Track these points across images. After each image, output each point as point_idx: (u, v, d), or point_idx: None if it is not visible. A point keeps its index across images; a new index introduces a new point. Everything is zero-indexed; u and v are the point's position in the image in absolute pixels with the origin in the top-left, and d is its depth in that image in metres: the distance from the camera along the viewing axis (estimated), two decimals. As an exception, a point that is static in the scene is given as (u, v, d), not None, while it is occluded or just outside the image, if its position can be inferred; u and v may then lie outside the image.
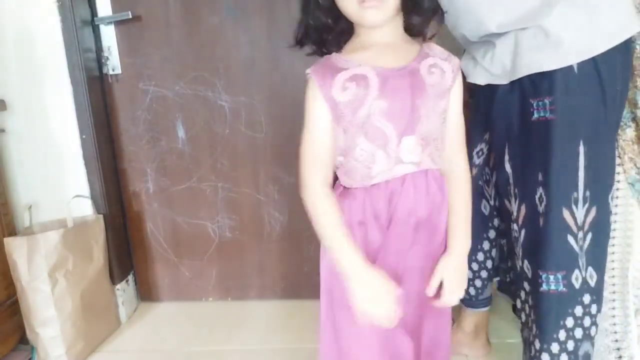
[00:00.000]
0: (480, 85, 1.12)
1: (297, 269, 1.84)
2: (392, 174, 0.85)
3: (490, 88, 1.13)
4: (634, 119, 1.20)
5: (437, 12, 0.87)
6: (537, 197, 1.06)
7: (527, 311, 1.19)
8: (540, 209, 1.08)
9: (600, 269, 1.12)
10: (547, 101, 1.01)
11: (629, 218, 1.28)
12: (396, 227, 0.87)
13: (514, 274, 1.27)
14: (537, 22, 0.99)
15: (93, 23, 1.67)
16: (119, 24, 1.68)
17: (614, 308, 1.33)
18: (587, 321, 1.13)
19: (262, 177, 1.78)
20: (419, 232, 0.89)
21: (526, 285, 1.17)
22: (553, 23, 0.98)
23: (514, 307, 1.70)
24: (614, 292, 1.32)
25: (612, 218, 1.29)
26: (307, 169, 0.86)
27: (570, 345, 1.12)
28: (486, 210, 1.34)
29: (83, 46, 1.62)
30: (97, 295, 1.66)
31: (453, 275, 0.90)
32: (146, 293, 1.93)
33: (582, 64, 1.00)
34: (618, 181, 1.27)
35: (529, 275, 1.15)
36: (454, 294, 0.90)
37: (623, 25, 1.01)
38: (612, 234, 1.29)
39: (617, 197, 1.27)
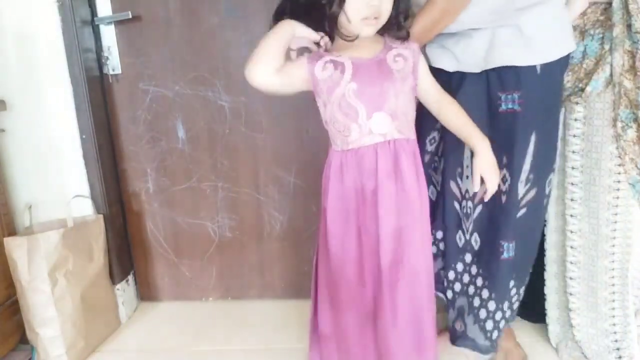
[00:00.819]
0: (439, 76, 1.18)
1: (297, 269, 1.84)
2: (364, 142, 1.06)
3: (453, 79, 1.24)
4: (635, 120, 1.20)
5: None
6: (500, 177, 1.20)
7: (467, 280, 1.35)
8: (504, 187, 1.22)
9: (524, 238, 1.27)
10: (515, 95, 1.16)
11: (628, 218, 1.28)
12: (382, 183, 1.07)
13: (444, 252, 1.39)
14: (513, 21, 1.13)
15: (93, 23, 1.67)
16: (119, 24, 1.68)
17: (613, 308, 1.33)
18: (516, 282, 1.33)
19: (262, 177, 1.78)
20: (387, 195, 1.07)
21: (468, 257, 1.33)
22: (529, 25, 1.12)
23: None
24: (613, 293, 1.32)
25: (613, 219, 1.29)
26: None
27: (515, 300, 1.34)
28: (433, 196, 1.39)
29: (83, 46, 1.62)
30: (97, 295, 1.66)
31: (487, 167, 1.08)
32: (146, 293, 1.93)
33: (544, 65, 1.15)
34: (619, 181, 1.27)
35: (476, 247, 1.32)
36: (492, 181, 1.08)
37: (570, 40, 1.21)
38: (612, 234, 1.30)
39: (617, 198, 1.27)
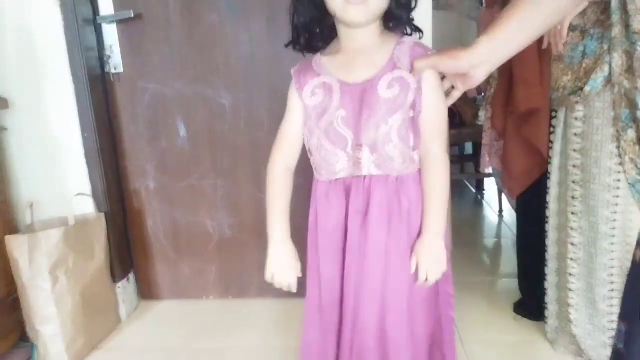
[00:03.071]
0: None
1: (298, 268, 1.84)
2: (351, 172, 0.94)
3: None
4: (634, 120, 1.20)
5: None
6: None
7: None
8: None
9: None
10: None
11: (628, 217, 1.28)
12: (351, 220, 0.94)
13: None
14: None
15: (95, 22, 1.67)
16: (120, 22, 1.68)
17: (612, 306, 1.33)
18: None
19: (263, 174, 1.77)
20: (370, 230, 0.93)
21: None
22: None
23: (516, 306, 1.70)
24: (612, 290, 1.33)
25: (612, 217, 1.29)
26: (275, 147, 1.03)
27: None
28: None
29: (85, 45, 1.63)
30: (98, 293, 1.66)
31: (426, 255, 0.93)
32: (146, 291, 1.94)
33: None
34: (618, 180, 1.27)
35: None
36: (428, 273, 0.92)
37: None
38: (612, 232, 1.30)
39: (617, 197, 1.28)
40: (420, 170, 0.96)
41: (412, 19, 0.96)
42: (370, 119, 0.90)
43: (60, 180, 1.70)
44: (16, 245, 1.47)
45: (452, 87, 0.94)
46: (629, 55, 1.17)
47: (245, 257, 1.87)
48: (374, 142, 0.91)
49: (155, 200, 1.83)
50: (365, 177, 0.93)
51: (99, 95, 1.71)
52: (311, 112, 0.95)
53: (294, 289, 1.00)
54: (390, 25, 0.94)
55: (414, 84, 0.90)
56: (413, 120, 0.92)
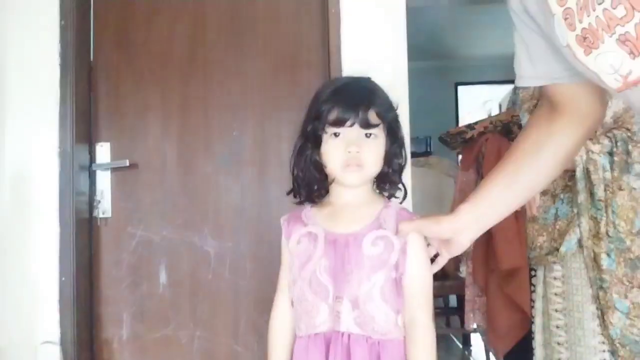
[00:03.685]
0: None
1: None
2: (330, 326, 0.92)
3: None
4: (601, 287, 1.23)
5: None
6: None
7: None
8: None
9: None
10: None
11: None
12: None
13: None
14: None
15: (90, 168, 1.74)
16: (115, 169, 1.75)
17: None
18: None
19: (242, 325, 1.73)
20: None
21: None
22: None
23: None
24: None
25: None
26: (277, 292, 1.04)
27: None
28: None
29: (77, 190, 1.67)
30: None
31: None
32: None
33: None
34: (603, 342, 1.25)
35: None
36: None
37: None
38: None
39: None
40: (404, 340, 0.93)
41: (403, 183, 1.02)
42: (352, 274, 0.91)
43: (29, 325, 1.63)
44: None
45: (437, 255, 0.96)
46: (596, 221, 1.24)
47: (217, 417, 1.72)
48: (356, 298, 0.90)
49: (126, 351, 1.73)
50: (343, 333, 0.91)
51: (84, 240, 1.70)
52: (296, 261, 0.96)
53: None
54: (383, 186, 0.99)
55: (397, 245, 0.91)
56: (396, 283, 0.92)
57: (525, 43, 0.78)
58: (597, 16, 0.61)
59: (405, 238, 0.92)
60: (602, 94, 0.81)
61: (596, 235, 1.23)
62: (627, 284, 1.20)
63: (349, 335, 0.91)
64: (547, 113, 0.86)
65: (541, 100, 0.93)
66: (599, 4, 0.60)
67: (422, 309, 0.92)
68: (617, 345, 1.19)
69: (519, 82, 0.85)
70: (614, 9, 0.59)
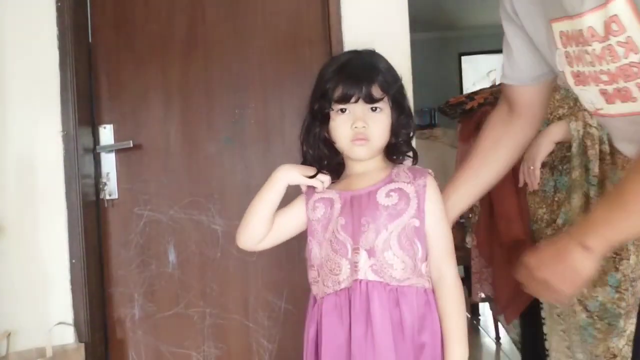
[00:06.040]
0: None
1: (287, 404, 1.73)
2: (350, 279, 0.96)
3: None
4: None
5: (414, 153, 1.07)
6: None
7: None
8: None
9: None
10: None
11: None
12: (355, 331, 0.94)
13: None
14: None
15: (94, 151, 1.74)
16: (119, 151, 1.75)
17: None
18: None
19: (252, 302, 1.75)
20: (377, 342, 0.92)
21: None
22: None
23: None
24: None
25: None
26: None
27: None
28: None
29: (82, 172, 1.67)
30: None
31: None
32: None
33: None
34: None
35: None
36: None
37: None
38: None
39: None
40: (426, 290, 0.97)
41: (413, 149, 1.07)
42: (370, 225, 0.95)
43: (42, 307, 1.65)
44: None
45: None
46: (587, 197, 1.24)
47: (230, 391, 1.76)
48: (372, 247, 0.95)
49: (139, 330, 1.76)
50: (361, 281, 0.95)
51: (92, 222, 1.72)
52: (317, 226, 1.01)
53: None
54: (392, 156, 1.04)
55: (413, 194, 0.97)
56: (418, 231, 0.96)
57: (511, 48, 0.98)
58: (587, 70, 0.78)
59: (420, 187, 0.97)
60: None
61: (587, 211, 1.23)
62: (616, 256, 1.20)
63: (367, 283, 0.95)
64: (505, 114, 1.05)
65: (501, 101, 1.08)
66: (590, 63, 0.76)
67: (448, 263, 0.98)
68: (595, 317, 1.21)
69: (502, 80, 1.05)
70: (601, 74, 0.75)
